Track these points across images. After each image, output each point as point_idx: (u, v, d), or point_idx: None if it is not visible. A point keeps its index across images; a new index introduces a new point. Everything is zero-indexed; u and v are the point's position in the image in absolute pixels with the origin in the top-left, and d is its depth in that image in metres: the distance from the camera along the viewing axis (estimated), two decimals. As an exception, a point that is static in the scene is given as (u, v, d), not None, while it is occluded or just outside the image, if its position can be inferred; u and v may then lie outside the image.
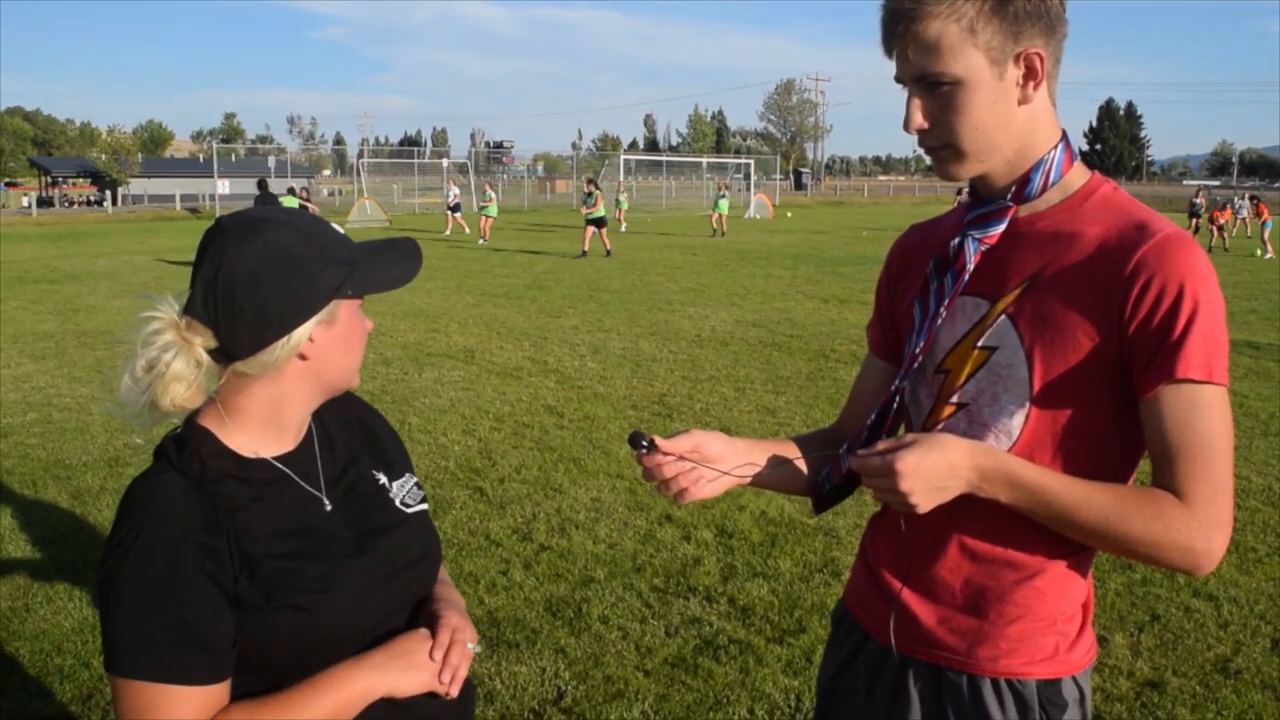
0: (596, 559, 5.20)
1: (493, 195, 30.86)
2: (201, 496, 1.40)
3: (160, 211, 47.60)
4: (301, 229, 1.47)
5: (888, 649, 1.72)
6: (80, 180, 70.22)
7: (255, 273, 1.41)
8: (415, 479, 1.70)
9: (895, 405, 1.70)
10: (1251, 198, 32.16)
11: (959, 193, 33.76)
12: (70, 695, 3.85)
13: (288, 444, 1.54)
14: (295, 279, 1.42)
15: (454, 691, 1.50)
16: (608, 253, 24.06)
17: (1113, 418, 1.53)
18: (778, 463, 1.73)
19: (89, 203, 63.43)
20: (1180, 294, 1.43)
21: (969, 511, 1.55)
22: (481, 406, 8.50)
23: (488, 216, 29.51)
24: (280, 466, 1.51)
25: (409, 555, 1.57)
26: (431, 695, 1.49)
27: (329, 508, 1.53)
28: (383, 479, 1.64)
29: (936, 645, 1.65)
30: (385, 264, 1.54)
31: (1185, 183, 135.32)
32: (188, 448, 1.44)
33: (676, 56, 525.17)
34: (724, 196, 33.88)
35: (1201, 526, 1.42)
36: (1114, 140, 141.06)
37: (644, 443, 1.57)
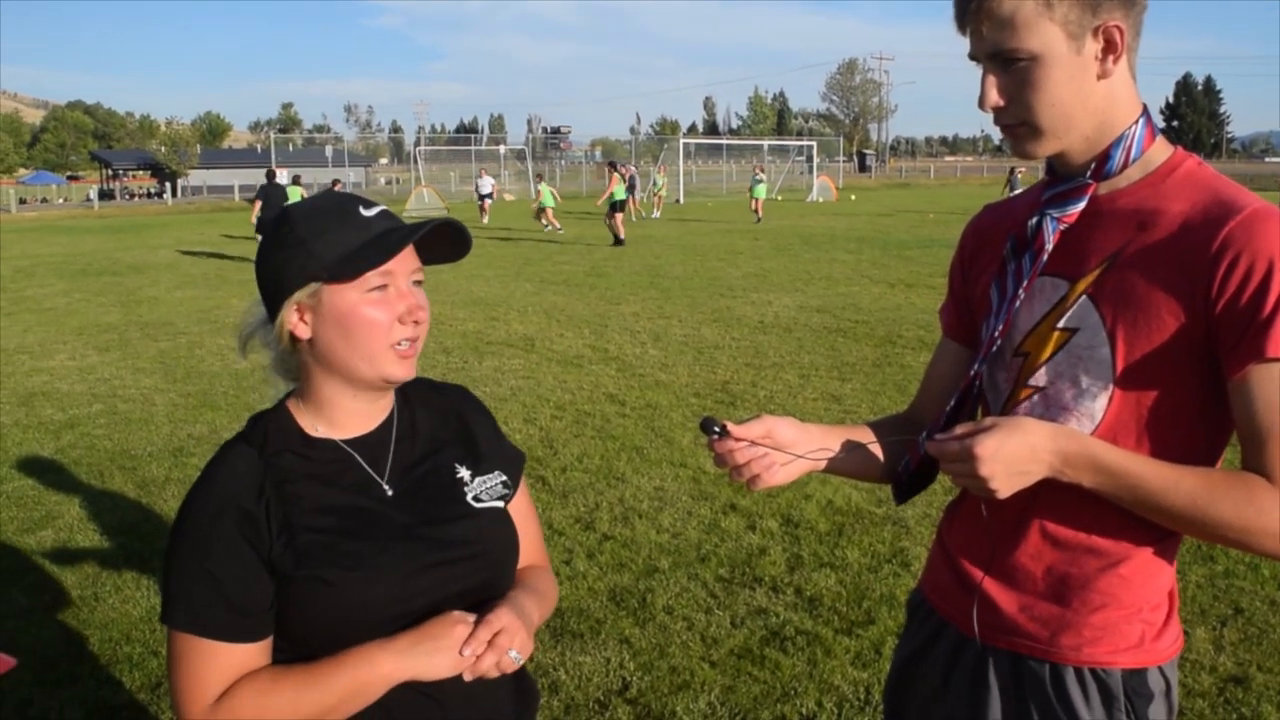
0: (660, 548, 5.22)
1: (543, 187, 30.52)
2: (261, 466, 1.51)
3: (219, 202, 48.46)
4: (319, 212, 1.52)
5: (965, 637, 1.71)
6: (140, 173, 71.73)
7: (261, 253, 1.55)
8: (505, 477, 1.71)
9: (976, 390, 1.69)
10: None
11: (1011, 172, 33.27)
12: (140, 683, 3.94)
13: (358, 428, 1.59)
14: (278, 259, 1.50)
15: (466, 676, 1.48)
16: (617, 240, 23.67)
17: (1199, 399, 1.51)
18: (852, 447, 1.73)
19: (149, 195, 64.75)
20: (1270, 270, 1.40)
21: (1050, 496, 1.54)
22: (542, 395, 8.56)
23: (545, 208, 29.22)
24: (346, 449, 1.57)
25: (466, 548, 1.58)
26: (465, 691, 1.51)
27: (389, 493, 1.57)
28: (463, 472, 1.66)
29: (1017, 633, 1.64)
30: (389, 246, 1.49)
31: (1268, 159, 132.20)
32: (261, 422, 1.58)
33: (736, 38, 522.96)
34: (760, 181, 33.51)
35: None
36: (1192, 117, 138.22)
37: (715, 428, 1.58)
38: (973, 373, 1.68)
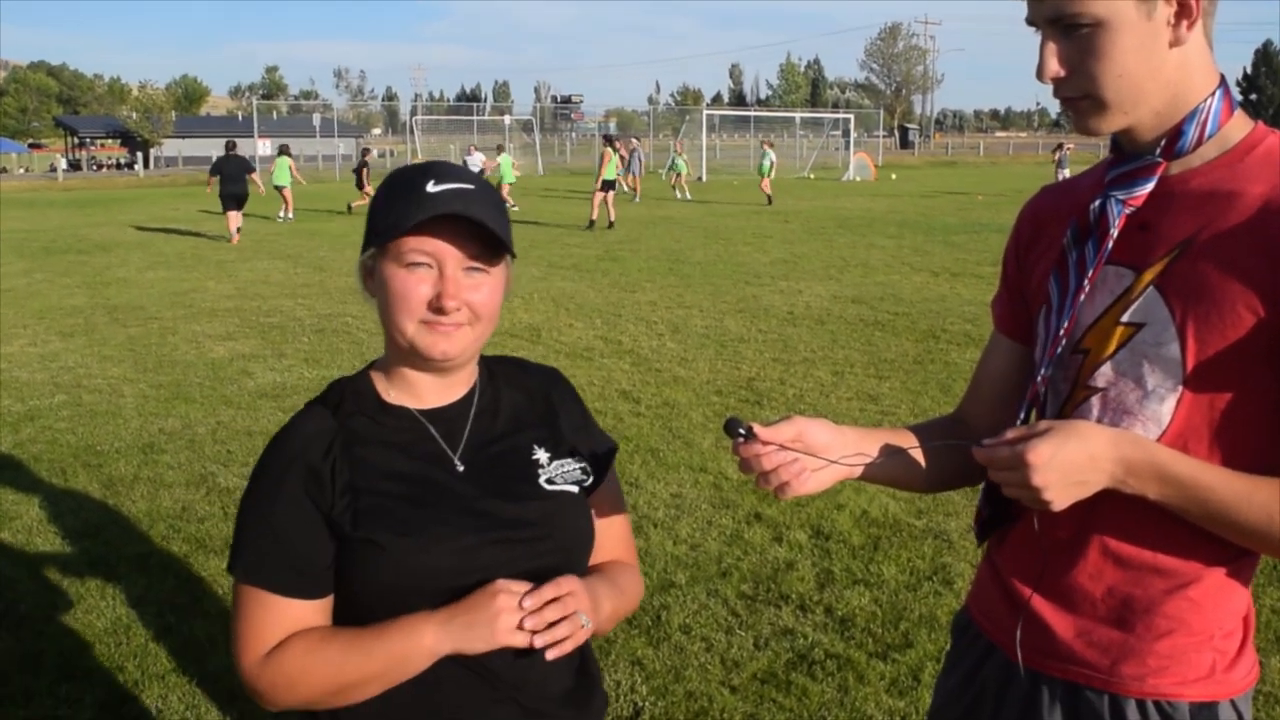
0: (677, 561, 5.22)
1: (503, 159, 30.19)
2: (333, 427, 1.66)
3: (196, 175, 48.46)
4: (396, 180, 1.65)
5: (1016, 663, 1.70)
6: (109, 141, 72.16)
7: None
8: (585, 464, 1.79)
9: (1042, 399, 1.68)
10: None
11: (1059, 148, 32.94)
12: (101, 700, 3.97)
13: (435, 400, 1.73)
14: (366, 226, 1.67)
15: (537, 643, 1.53)
16: (610, 224, 23.64)
17: (1278, 403, 1.50)
18: (892, 452, 1.72)
19: (119, 165, 65.06)
20: None
21: (1112, 510, 1.54)
22: (548, 391, 8.55)
23: (504, 183, 28.38)
24: (421, 419, 1.70)
25: (530, 530, 1.66)
26: (521, 655, 1.57)
27: (460, 468, 1.68)
28: (540, 454, 1.75)
29: (1074, 660, 1.64)
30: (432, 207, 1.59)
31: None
32: (336, 386, 1.74)
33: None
34: (766, 156, 32.87)
35: None
36: (1272, 89, 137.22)
37: (741, 430, 1.56)
38: (1039, 378, 1.67)
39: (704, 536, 5.54)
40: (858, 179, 44.89)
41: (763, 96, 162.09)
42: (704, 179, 44.27)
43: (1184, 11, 1.48)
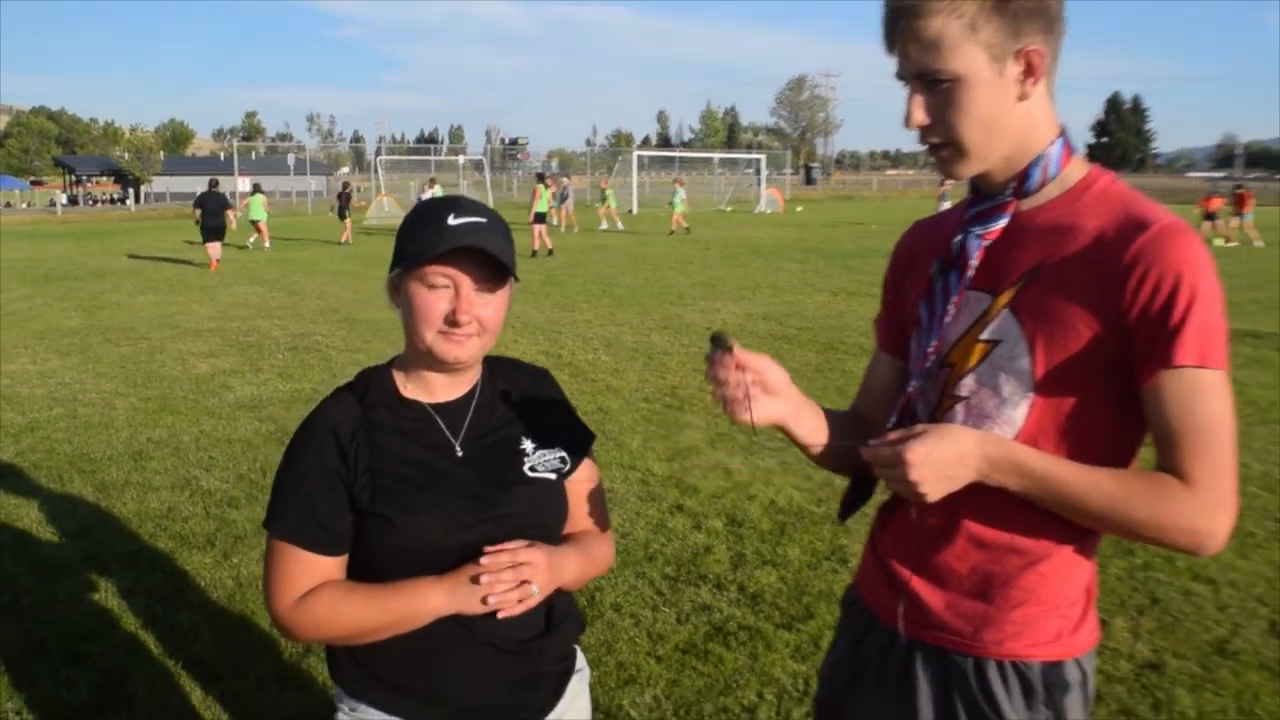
0: (609, 548, 5.21)
1: (436, 190, 29.78)
2: (359, 414, 1.76)
3: (182, 209, 47.59)
4: (422, 212, 1.76)
5: (895, 633, 1.74)
6: (104, 179, 70.68)
7: None
8: (564, 454, 1.88)
9: (913, 406, 1.71)
10: (1235, 188, 31.57)
11: (942, 183, 33.35)
12: (98, 684, 3.88)
13: (445, 395, 1.82)
14: (394, 248, 1.76)
15: (495, 607, 1.67)
16: (549, 251, 23.32)
17: (1115, 405, 1.54)
18: (814, 424, 1.75)
19: (113, 201, 63.74)
20: (1178, 283, 1.43)
21: (976, 500, 1.56)
22: (497, 399, 8.51)
23: None
24: (430, 411, 1.80)
25: (514, 510, 1.76)
26: (493, 616, 1.68)
27: (460, 454, 1.78)
28: (527, 444, 1.85)
29: (944, 629, 1.67)
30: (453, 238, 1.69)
31: (1189, 175, 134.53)
32: (363, 377, 1.83)
33: (689, 53, 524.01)
34: (676, 194, 32.06)
35: (1205, 508, 1.43)
36: (1120, 133, 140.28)
37: (727, 344, 1.60)
38: (910, 389, 1.70)
39: (633, 526, 5.55)
40: (768, 211, 45.10)
41: (686, 139, 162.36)
42: (634, 211, 44.24)
43: (1030, 71, 1.52)
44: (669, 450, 7.03)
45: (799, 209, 47.63)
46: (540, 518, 1.80)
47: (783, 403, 1.67)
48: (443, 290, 1.70)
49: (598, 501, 1.96)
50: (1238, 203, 28.59)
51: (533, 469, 1.82)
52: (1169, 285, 1.44)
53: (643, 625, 4.35)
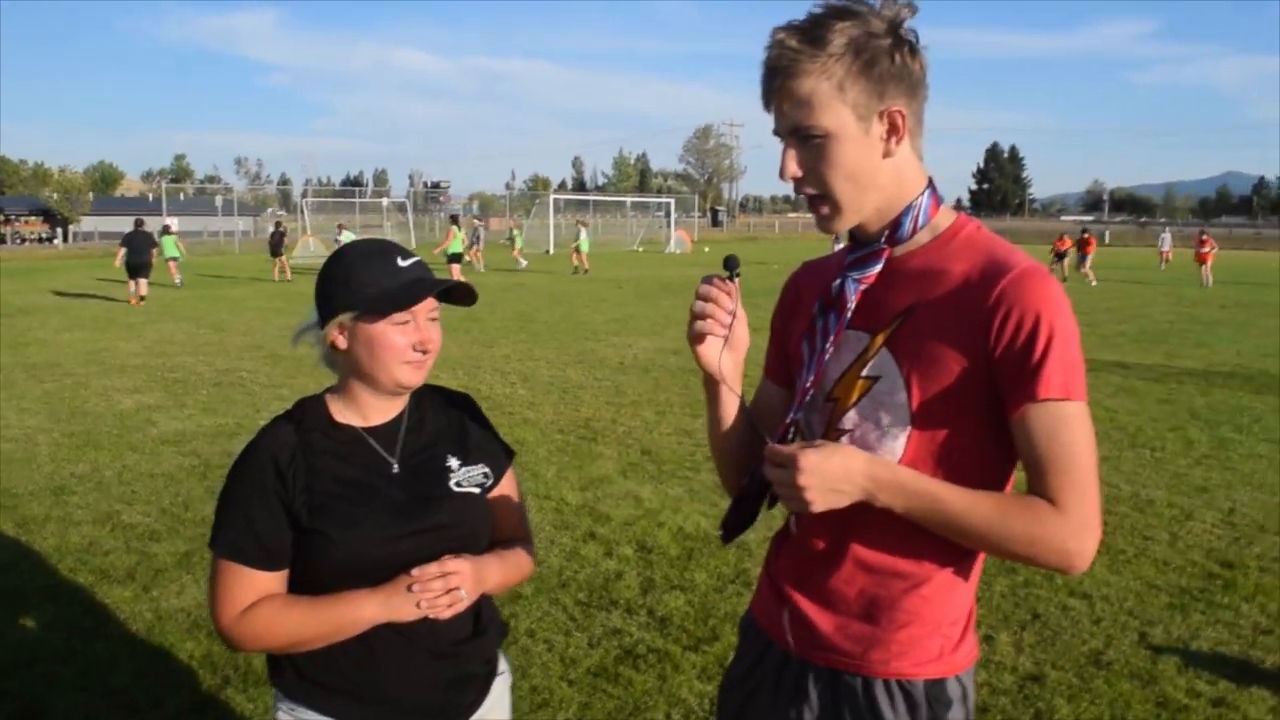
0: (524, 575, 5.14)
1: (345, 235, 30.01)
2: (296, 439, 1.80)
3: (110, 248, 46.27)
4: (365, 255, 1.82)
5: (789, 654, 1.74)
6: (32, 218, 68.31)
7: (320, 275, 1.85)
8: (486, 469, 1.95)
9: (791, 436, 1.72)
10: (1083, 231, 32.73)
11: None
12: (15, 717, 3.69)
13: (377, 419, 1.88)
14: (329, 288, 1.81)
15: (424, 609, 1.75)
16: None
17: (986, 435, 1.57)
18: (732, 406, 1.78)
19: (41, 240, 61.79)
20: (1037, 322, 1.48)
21: (863, 527, 1.60)
22: (417, 432, 8.38)
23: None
24: (364, 434, 1.85)
25: (442, 522, 1.82)
26: (431, 622, 1.77)
27: (396, 470, 1.84)
28: (452, 462, 1.91)
29: (834, 650, 1.67)
30: (398, 289, 1.78)
31: (1063, 218, 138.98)
32: (299, 405, 1.87)
33: (603, 103, 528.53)
34: (580, 234, 32.11)
35: (1073, 528, 1.47)
36: (999, 180, 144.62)
37: (737, 271, 1.69)
38: (789, 420, 1.72)
39: (547, 554, 5.48)
40: (678, 251, 45.50)
41: (600, 183, 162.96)
42: (551, 252, 44.22)
43: (894, 130, 1.57)
44: (582, 480, 6.98)
45: (706, 249, 48.03)
46: (466, 529, 1.86)
47: (733, 362, 1.72)
48: (406, 326, 1.79)
49: (519, 513, 2.04)
50: (1082, 245, 30.08)
51: (458, 484, 1.88)
52: (1030, 324, 1.48)
53: (556, 650, 4.29)
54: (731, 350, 1.70)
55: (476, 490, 1.91)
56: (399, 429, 1.88)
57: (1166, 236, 38.75)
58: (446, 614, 1.77)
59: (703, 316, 1.66)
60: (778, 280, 2.03)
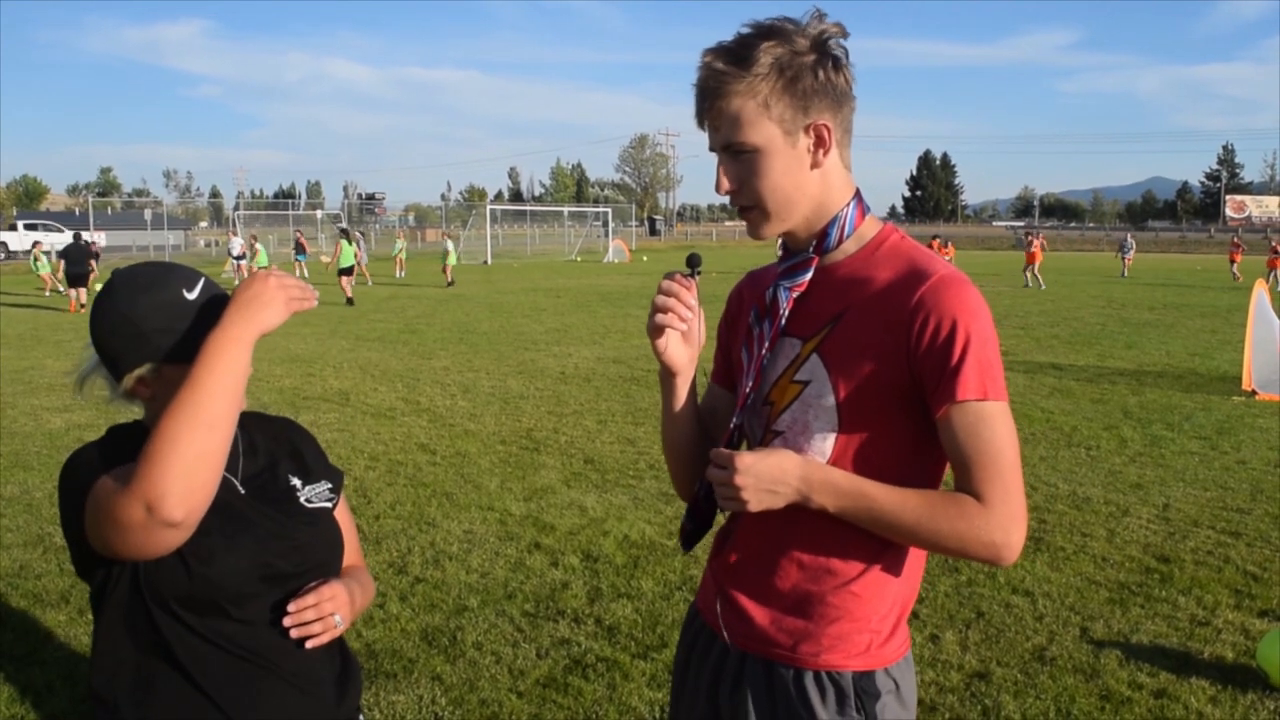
0: (469, 588, 5.12)
1: (260, 247, 30.20)
2: (105, 461, 1.63)
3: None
4: (145, 293, 1.67)
5: (729, 646, 1.80)
6: (-49, 235, 66.38)
7: (97, 323, 1.70)
8: (330, 485, 1.90)
9: (735, 440, 1.78)
10: (1026, 232, 32.80)
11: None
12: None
13: None
14: (114, 344, 1.68)
15: (294, 634, 1.69)
16: (349, 301, 22.92)
17: (912, 436, 1.64)
18: (687, 403, 1.85)
19: (-39, 257, 60.06)
20: (954, 327, 1.55)
21: (798, 526, 1.66)
22: (356, 447, 8.31)
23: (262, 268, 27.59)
24: None
25: (304, 539, 1.76)
26: (296, 646, 1.71)
27: (243, 492, 1.76)
28: (296, 481, 1.85)
29: (769, 643, 1.73)
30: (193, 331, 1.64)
31: (994, 224, 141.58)
32: (117, 431, 1.77)
33: (538, 113, 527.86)
34: (446, 245, 31.58)
35: (999, 522, 1.53)
36: (932, 187, 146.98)
37: (699, 270, 1.76)
38: (733, 425, 1.78)
39: (492, 565, 5.45)
40: (616, 261, 45.52)
41: (537, 194, 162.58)
42: (489, 263, 44.03)
43: (820, 143, 1.64)
44: (526, 490, 6.95)
45: (644, 258, 48.21)
46: (327, 544, 1.83)
47: (689, 357, 1.79)
48: None
49: (354, 534, 2.01)
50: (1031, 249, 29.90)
51: (309, 501, 1.84)
52: (946, 329, 1.55)
53: (504, 662, 4.26)
54: (689, 345, 1.78)
55: (328, 505, 1.87)
56: (237, 451, 1.80)
57: (1131, 243, 38.33)
58: (324, 639, 1.72)
59: (664, 310, 1.72)
60: (717, 288, 2.07)
